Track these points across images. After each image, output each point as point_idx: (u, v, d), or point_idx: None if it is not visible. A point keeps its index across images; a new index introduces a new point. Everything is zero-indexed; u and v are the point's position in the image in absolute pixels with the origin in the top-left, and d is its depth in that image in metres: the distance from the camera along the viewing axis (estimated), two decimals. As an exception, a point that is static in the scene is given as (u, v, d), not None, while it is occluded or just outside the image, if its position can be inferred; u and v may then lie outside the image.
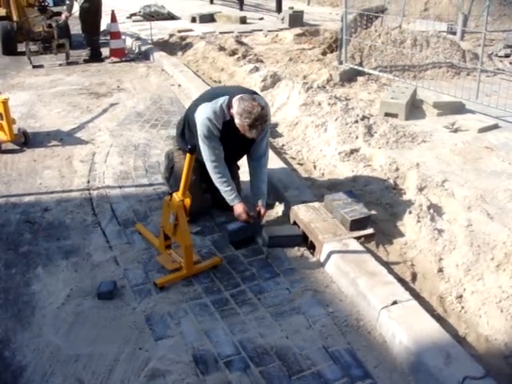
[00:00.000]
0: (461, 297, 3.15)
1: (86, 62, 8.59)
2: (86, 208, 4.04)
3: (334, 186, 4.37)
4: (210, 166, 3.59)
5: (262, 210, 3.68)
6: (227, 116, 3.49)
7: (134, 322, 2.86)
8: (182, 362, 2.61)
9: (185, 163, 3.00)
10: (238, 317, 2.94)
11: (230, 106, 3.47)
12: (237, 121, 3.38)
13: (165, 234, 3.33)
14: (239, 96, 3.45)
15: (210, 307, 3.00)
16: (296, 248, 3.59)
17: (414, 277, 3.33)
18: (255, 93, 3.74)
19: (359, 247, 3.43)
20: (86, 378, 2.51)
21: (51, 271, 3.28)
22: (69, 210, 4.00)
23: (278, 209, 4.07)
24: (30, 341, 2.72)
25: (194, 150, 2.94)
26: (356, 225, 3.58)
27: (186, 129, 3.80)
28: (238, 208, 3.61)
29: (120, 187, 4.38)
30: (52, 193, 4.26)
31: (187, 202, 3.12)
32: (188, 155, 2.94)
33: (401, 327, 2.72)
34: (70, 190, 4.31)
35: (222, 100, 3.50)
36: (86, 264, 3.36)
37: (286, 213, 3.97)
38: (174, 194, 3.12)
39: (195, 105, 3.67)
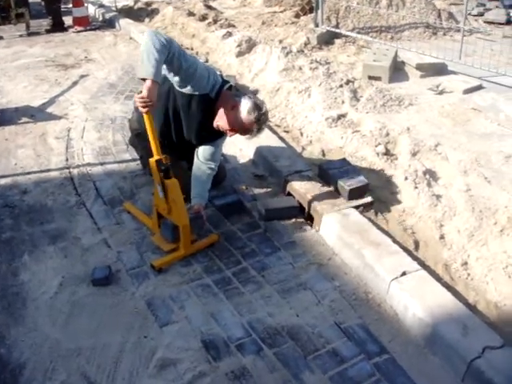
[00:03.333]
0: (466, 264, 3.09)
1: (48, 31, 8.12)
2: (67, 188, 3.81)
3: (323, 153, 4.25)
4: (154, 35, 2.79)
5: (201, 210, 3.23)
6: (212, 92, 3.07)
7: (135, 309, 2.70)
8: (191, 348, 2.48)
9: (146, 125, 2.86)
10: (244, 296, 2.81)
11: (221, 90, 3.10)
12: (248, 118, 3.02)
13: (158, 213, 3.15)
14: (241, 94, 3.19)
15: (213, 287, 2.87)
16: (293, 220, 3.47)
17: (417, 245, 3.26)
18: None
19: (359, 217, 3.33)
20: (92, 372, 2.35)
21: (39, 258, 3.07)
22: (49, 191, 3.76)
23: (271, 180, 3.93)
24: (25, 336, 2.53)
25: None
26: (354, 194, 3.48)
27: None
28: (147, 87, 2.71)
29: (101, 164, 4.15)
30: (29, 173, 4.00)
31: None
32: (144, 116, 2.81)
33: (413, 299, 2.65)
34: (49, 170, 4.06)
35: (218, 77, 3.16)
36: (76, 248, 3.16)
37: (279, 184, 3.84)
38: (150, 160, 2.93)
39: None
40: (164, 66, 2.90)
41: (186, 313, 2.69)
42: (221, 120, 3.10)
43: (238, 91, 3.18)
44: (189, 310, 2.71)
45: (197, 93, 3.04)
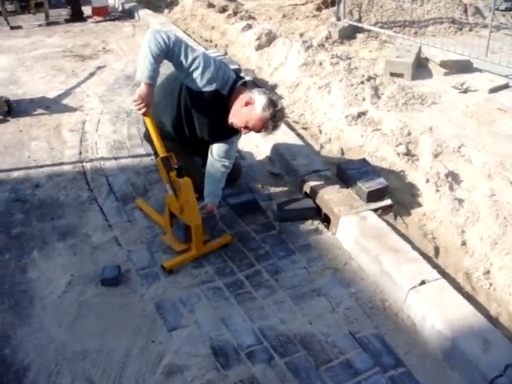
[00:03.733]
0: (488, 272, 2.97)
1: (67, 21, 8.08)
2: (80, 183, 3.74)
3: (342, 152, 4.13)
4: (154, 32, 2.77)
5: (214, 209, 3.13)
6: (224, 89, 2.96)
7: (144, 311, 2.63)
8: (200, 355, 2.40)
9: (148, 126, 2.87)
10: (256, 301, 2.72)
11: (234, 86, 2.99)
12: (263, 114, 2.87)
13: (170, 212, 3.07)
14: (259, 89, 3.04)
15: (225, 291, 2.78)
16: (309, 221, 3.37)
17: (437, 251, 3.14)
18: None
19: (378, 220, 3.21)
20: (97, 376, 2.28)
21: (48, 255, 3.01)
22: (61, 185, 3.70)
23: (287, 179, 3.83)
24: (31, 336, 2.48)
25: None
26: (373, 196, 3.36)
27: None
28: (142, 90, 2.77)
29: (115, 158, 4.08)
30: (42, 167, 3.94)
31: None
32: (145, 118, 2.82)
33: (432, 310, 2.53)
34: (62, 163, 4.00)
35: (232, 73, 3.04)
36: (85, 246, 3.09)
37: (296, 183, 3.73)
38: (157, 159, 2.89)
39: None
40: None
41: (196, 317, 2.61)
42: (234, 117, 2.99)
43: (256, 86, 3.04)
44: (199, 314, 2.63)
45: (206, 89, 2.92)
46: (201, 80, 2.89)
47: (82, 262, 2.96)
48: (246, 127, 2.98)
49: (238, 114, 2.97)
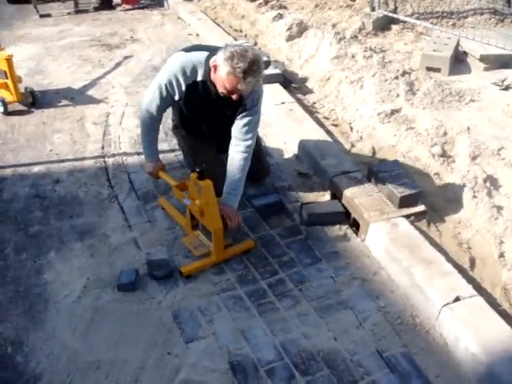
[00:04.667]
0: (528, 288, 2.77)
1: (96, 9, 7.97)
2: (101, 179, 3.65)
3: (374, 151, 3.94)
4: (142, 111, 3.12)
5: (231, 219, 2.91)
6: (199, 76, 2.88)
7: (160, 320, 2.52)
8: (217, 370, 2.28)
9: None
10: (278, 313, 2.58)
11: (207, 64, 2.83)
12: (225, 69, 2.66)
13: (191, 214, 2.95)
14: (223, 45, 2.89)
15: (246, 301, 2.65)
16: (337, 226, 3.20)
17: (473, 263, 2.95)
18: None
19: (410, 228, 3.03)
20: (109, 390, 2.19)
21: (65, 256, 2.92)
22: (82, 181, 3.61)
23: (314, 179, 3.66)
24: (43, 343, 2.39)
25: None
26: (406, 201, 3.17)
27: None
28: (148, 166, 3.37)
29: (138, 154, 3.96)
30: (63, 161, 3.86)
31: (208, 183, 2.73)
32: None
33: (467, 330, 2.36)
34: (83, 158, 3.91)
35: (199, 55, 2.88)
36: (103, 247, 3.00)
37: (324, 184, 3.57)
38: (192, 175, 2.74)
39: None
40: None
41: (215, 328, 2.49)
42: (218, 87, 2.81)
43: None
44: (217, 324, 2.50)
45: (188, 90, 2.96)
46: (179, 92, 2.98)
47: (99, 264, 2.87)
48: (229, 91, 2.76)
49: (216, 83, 2.81)
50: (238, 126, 2.99)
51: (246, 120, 2.97)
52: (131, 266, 2.82)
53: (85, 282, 2.73)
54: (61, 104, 4.78)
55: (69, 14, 7.82)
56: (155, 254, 2.94)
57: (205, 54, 2.87)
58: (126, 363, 2.31)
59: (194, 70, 2.88)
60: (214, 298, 2.66)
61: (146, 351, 2.36)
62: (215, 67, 2.75)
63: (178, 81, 2.91)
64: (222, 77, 2.70)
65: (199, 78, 2.90)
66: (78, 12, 7.84)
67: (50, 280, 2.76)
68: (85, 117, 4.55)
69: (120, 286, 2.67)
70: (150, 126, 3.17)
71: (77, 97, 4.93)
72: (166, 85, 2.94)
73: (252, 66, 2.65)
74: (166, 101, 3.04)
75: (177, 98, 3.00)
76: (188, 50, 2.98)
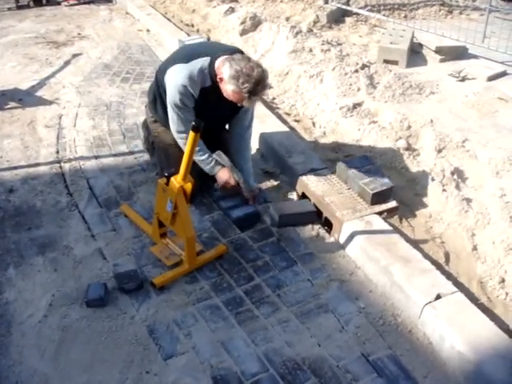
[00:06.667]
0: (503, 281, 2.77)
1: (37, 4, 7.61)
2: (58, 186, 3.44)
3: (339, 147, 3.89)
4: (177, 137, 3.05)
5: (256, 196, 3.24)
6: (207, 81, 2.88)
7: (135, 336, 2.37)
8: (200, 387, 2.16)
9: (187, 143, 2.43)
10: (258, 321, 2.48)
11: (212, 68, 2.84)
12: (231, 87, 2.72)
13: (159, 221, 2.80)
14: (226, 57, 2.81)
15: (223, 310, 2.53)
16: (309, 226, 3.13)
17: (447, 257, 2.94)
18: (240, 50, 3.07)
19: (385, 225, 2.99)
20: (86, 418, 2.04)
21: (25, 272, 2.72)
22: (38, 189, 3.39)
23: (281, 178, 3.58)
24: (9, 370, 2.20)
25: (199, 127, 2.36)
26: (377, 198, 3.13)
27: (158, 96, 3.15)
28: (223, 174, 3.11)
29: (96, 157, 3.77)
30: (16, 168, 3.62)
31: (188, 186, 2.57)
32: (192, 134, 2.37)
33: (451, 329, 2.33)
34: (37, 164, 3.68)
35: (202, 62, 2.87)
36: (67, 260, 2.81)
37: (291, 183, 3.49)
38: (172, 179, 2.56)
39: (166, 66, 2.99)
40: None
41: (194, 342, 2.36)
42: (224, 94, 2.85)
43: (229, 53, 2.89)
44: (196, 338, 2.38)
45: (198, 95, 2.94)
46: (193, 100, 2.93)
47: (64, 279, 2.68)
48: (235, 100, 2.82)
49: (223, 91, 2.84)
50: (244, 117, 3.16)
51: (250, 111, 3.16)
52: (99, 280, 2.66)
53: (50, 299, 2.55)
54: (8, 106, 4.50)
55: (9, 9, 7.42)
56: (123, 264, 2.78)
57: (206, 60, 2.87)
58: (102, 386, 2.16)
59: (201, 77, 2.87)
60: (189, 309, 2.53)
61: (123, 372, 2.21)
62: (221, 80, 2.80)
63: (189, 91, 2.87)
64: (229, 92, 2.78)
65: (208, 84, 2.89)
66: (19, 7, 7.46)
67: (10, 299, 2.55)
68: (36, 120, 4.30)
69: (88, 302, 2.50)
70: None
71: (25, 98, 4.65)
72: (180, 99, 2.89)
73: (257, 86, 2.69)
74: (190, 110, 2.96)
75: (192, 106, 2.96)
76: (185, 60, 2.92)
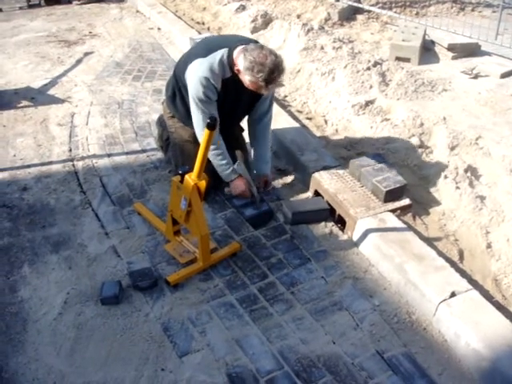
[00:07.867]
0: (518, 279, 2.76)
1: (49, 4, 7.65)
2: (71, 184, 3.45)
3: (351, 144, 3.87)
4: (199, 135, 3.02)
5: (268, 182, 3.33)
6: (227, 73, 2.93)
7: (150, 334, 2.38)
8: (215, 384, 2.17)
9: (202, 141, 2.44)
10: (272, 318, 2.48)
11: (231, 60, 2.89)
12: (248, 77, 2.78)
13: (173, 219, 2.81)
14: (241, 47, 2.85)
15: (237, 307, 2.53)
16: (322, 224, 3.12)
17: (462, 255, 2.92)
18: (255, 41, 3.10)
19: (398, 223, 2.97)
20: (102, 414, 2.05)
21: (40, 270, 2.73)
22: (51, 187, 3.41)
23: (293, 176, 3.57)
24: (26, 367, 2.21)
25: (215, 125, 2.36)
26: (391, 195, 3.12)
27: (177, 91, 3.18)
28: (239, 184, 3.15)
29: (108, 155, 3.78)
30: (29, 166, 3.64)
31: (202, 184, 2.57)
32: (206, 131, 2.37)
33: (467, 326, 2.32)
34: (50, 162, 3.70)
35: (221, 54, 2.91)
36: (81, 258, 2.82)
37: (304, 180, 3.48)
38: (187, 176, 2.57)
39: (186, 62, 3.03)
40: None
41: (208, 339, 2.36)
42: (244, 84, 2.90)
43: (243, 43, 2.94)
44: (211, 335, 2.38)
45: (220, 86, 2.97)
46: (215, 93, 2.96)
47: (79, 276, 2.69)
48: (254, 89, 2.88)
49: (242, 81, 2.90)
50: (264, 103, 3.21)
51: (268, 98, 3.22)
52: (113, 277, 2.67)
53: (65, 297, 2.56)
54: (21, 105, 4.53)
55: (21, 8, 7.47)
56: (137, 262, 2.79)
57: (224, 51, 2.92)
58: (118, 383, 2.16)
59: (221, 69, 2.92)
60: (203, 307, 2.53)
61: (138, 369, 2.22)
62: (238, 71, 2.87)
63: (211, 83, 2.91)
64: (247, 82, 2.84)
65: (228, 75, 2.93)
66: (30, 6, 7.51)
67: (26, 297, 2.57)
68: (48, 118, 4.32)
69: (103, 300, 2.51)
70: (221, 141, 3.09)
71: (37, 97, 4.68)
72: (204, 92, 2.92)
73: (272, 74, 2.74)
74: (213, 103, 2.99)
75: (215, 99, 2.99)
76: (202, 54, 2.97)
